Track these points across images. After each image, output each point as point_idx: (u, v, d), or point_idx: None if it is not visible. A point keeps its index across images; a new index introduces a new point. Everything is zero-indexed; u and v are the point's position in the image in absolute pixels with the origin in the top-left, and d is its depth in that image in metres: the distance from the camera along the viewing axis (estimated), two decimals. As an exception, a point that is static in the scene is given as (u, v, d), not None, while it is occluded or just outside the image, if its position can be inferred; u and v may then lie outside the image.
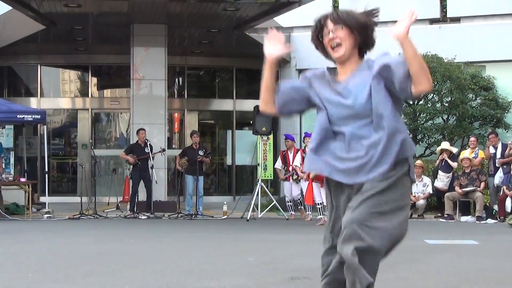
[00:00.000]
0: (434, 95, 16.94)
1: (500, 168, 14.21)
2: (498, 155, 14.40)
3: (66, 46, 19.32)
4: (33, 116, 14.51)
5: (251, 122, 16.51)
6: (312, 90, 3.54)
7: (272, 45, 3.49)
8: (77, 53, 19.76)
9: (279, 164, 14.80)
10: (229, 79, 20.95)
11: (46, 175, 14.92)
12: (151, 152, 14.91)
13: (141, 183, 14.95)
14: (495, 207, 13.98)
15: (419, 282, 6.07)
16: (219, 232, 11.40)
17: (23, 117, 14.47)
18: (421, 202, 14.42)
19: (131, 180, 15.41)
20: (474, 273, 6.61)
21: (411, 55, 3.21)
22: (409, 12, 3.24)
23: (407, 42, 3.22)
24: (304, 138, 14.40)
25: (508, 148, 14.12)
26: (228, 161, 20.71)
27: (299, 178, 13.95)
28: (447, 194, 14.35)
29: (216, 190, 20.84)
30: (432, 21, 19.19)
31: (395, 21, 3.30)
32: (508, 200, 13.57)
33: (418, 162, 14.67)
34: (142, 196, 15.06)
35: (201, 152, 15.04)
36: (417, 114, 16.80)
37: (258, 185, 14.54)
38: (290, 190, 14.52)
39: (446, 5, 19.06)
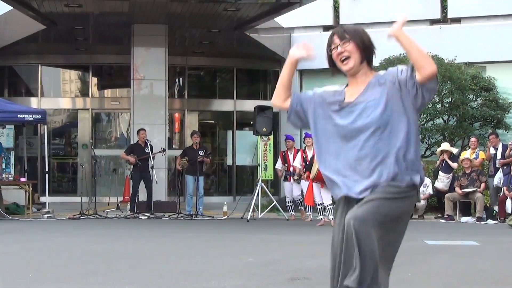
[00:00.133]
0: (435, 96, 16.92)
1: (500, 169, 14.21)
2: (499, 156, 14.39)
3: (66, 46, 19.32)
4: (33, 116, 14.51)
5: (252, 122, 16.51)
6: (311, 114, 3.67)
7: (299, 49, 3.65)
8: (78, 53, 19.76)
9: (279, 164, 14.80)
10: (230, 79, 20.94)
11: (47, 175, 14.92)
12: (152, 152, 14.91)
13: (142, 183, 14.95)
14: (495, 208, 13.99)
15: (419, 282, 6.07)
16: (219, 233, 11.41)
17: (24, 117, 14.47)
18: (422, 202, 14.41)
19: (131, 180, 15.40)
20: (474, 273, 6.61)
21: (408, 44, 3.38)
22: (401, 16, 3.46)
23: (402, 35, 3.40)
24: (304, 138, 14.39)
25: (508, 149, 14.11)
26: (229, 162, 20.71)
27: (300, 178, 13.94)
28: (447, 194, 14.34)
29: (217, 191, 20.84)
30: (433, 21, 19.20)
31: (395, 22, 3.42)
32: (508, 201, 13.56)
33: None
34: (142, 196, 15.05)
35: (201, 153, 15.04)
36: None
37: (259, 185, 14.54)
38: (291, 190, 14.52)
39: (446, 5, 19.06)
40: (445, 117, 17.10)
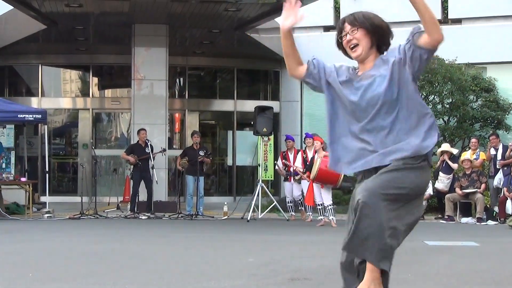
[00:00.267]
0: (435, 97, 16.94)
1: (500, 170, 14.21)
2: (499, 156, 14.40)
3: (67, 46, 19.32)
4: (34, 116, 14.52)
5: (252, 122, 16.51)
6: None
7: (286, 17, 3.78)
8: (78, 53, 19.76)
9: (279, 164, 14.80)
10: (230, 79, 20.95)
11: (47, 174, 14.92)
12: (152, 152, 14.91)
13: (142, 183, 14.96)
14: (496, 208, 13.99)
15: (419, 283, 6.06)
16: (219, 233, 11.41)
17: (24, 116, 14.49)
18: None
19: (131, 180, 15.41)
20: (474, 274, 6.60)
21: (422, 7, 3.46)
22: None
23: None
24: (304, 138, 14.38)
25: (508, 150, 14.12)
26: (229, 162, 20.71)
27: (301, 178, 13.93)
28: (447, 195, 14.35)
29: (217, 191, 20.84)
30: (434, 22, 19.17)
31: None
32: (508, 201, 13.57)
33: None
34: (142, 196, 15.06)
35: (201, 153, 15.05)
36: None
37: (259, 185, 14.54)
38: (291, 190, 14.52)
39: (447, 6, 19.06)
40: (446, 118, 17.10)
